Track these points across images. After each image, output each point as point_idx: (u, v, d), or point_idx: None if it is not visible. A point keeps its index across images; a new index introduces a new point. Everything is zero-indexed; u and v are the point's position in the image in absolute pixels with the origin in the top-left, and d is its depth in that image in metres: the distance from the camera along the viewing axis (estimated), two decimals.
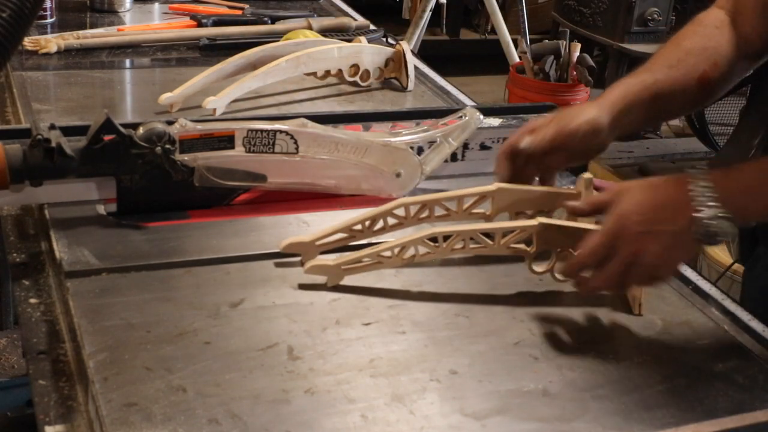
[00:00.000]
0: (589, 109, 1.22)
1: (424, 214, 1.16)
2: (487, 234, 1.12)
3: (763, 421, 0.94)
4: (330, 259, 1.12)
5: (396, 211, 1.15)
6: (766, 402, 0.97)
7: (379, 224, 1.15)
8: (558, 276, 1.13)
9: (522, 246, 1.11)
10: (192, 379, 0.91)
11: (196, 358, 0.94)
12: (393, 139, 1.32)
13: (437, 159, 1.35)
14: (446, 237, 1.11)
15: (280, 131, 1.25)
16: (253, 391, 0.90)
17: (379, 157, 1.31)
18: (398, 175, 1.32)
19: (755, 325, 1.12)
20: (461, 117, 1.37)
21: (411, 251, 1.12)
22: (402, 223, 1.16)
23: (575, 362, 1.00)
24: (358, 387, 0.93)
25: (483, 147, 1.45)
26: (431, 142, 1.35)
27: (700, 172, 1.02)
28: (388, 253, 1.11)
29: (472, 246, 1.12)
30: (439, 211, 1.17)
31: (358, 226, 1.14)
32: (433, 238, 1.11)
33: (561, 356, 1.01)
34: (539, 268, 1.13)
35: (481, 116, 1.38)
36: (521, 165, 1.21)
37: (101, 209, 1.22)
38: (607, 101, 1.23)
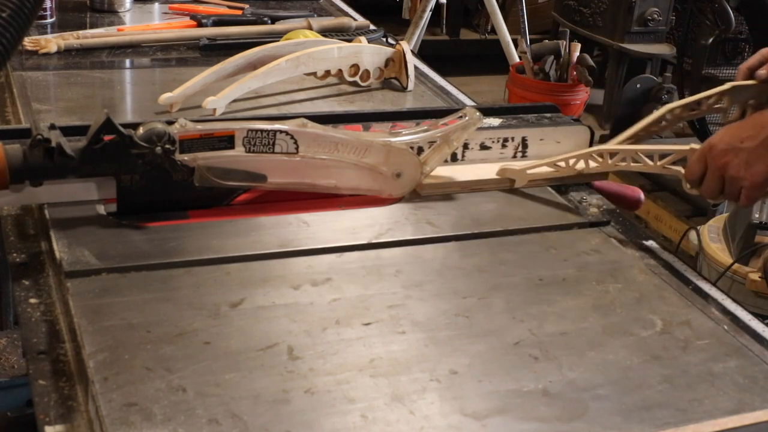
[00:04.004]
0: None
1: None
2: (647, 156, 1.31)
3: (763, 421, 0.94)
4: (517, 164, 1.39)
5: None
6: (766, 402, 0.97)
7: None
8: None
9: (678, 168, 1.29)
10: (192, 379, 0.91)
11: (196, 358, 0.94)
12: (393, 139, 1.32)
13: (437, 159, 1.35)
14: (612, 154, 1.35)
15: (280, 131, 1.24)
16: (253, 391, 0.90)
17: (380, 158, 1.31)
18: (398, 175, 1.32)
19: (755, 325, 1.12)
20: (461, 117, 1.37)
21: (581, 164, 1.37)
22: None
23: (575, 362, 1.00)
24: (358, 387, 0.93)
25: (483, 147, 1.45)
26: (431, 142, 1.35)
27: None
28: (562, 164, 1.39)
29: (632, 164, 1.33)
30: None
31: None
32: (600, 154, 1.35)
33: (561, 356, 1.01)
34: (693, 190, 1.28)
35: (481, 116, 1.38)
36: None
37: (101, 209, 1.22)
38: None
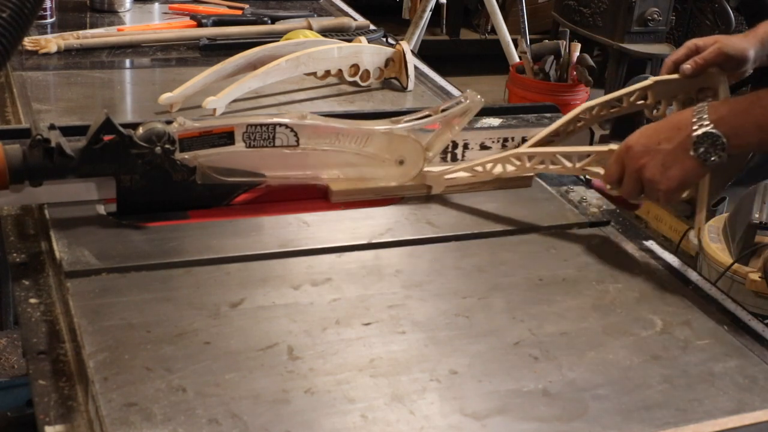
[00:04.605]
0: (743, 42, 1.33)
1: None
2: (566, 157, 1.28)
3: (763, 421, 0.94)
4: (435, 170, 1.33)
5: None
6: (766, 402, 0.97)
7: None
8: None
9: (597, 169, 1.26)
10: (192, 379, 0.91)
11: (196, 358, 0.94)
12: (394, 127, 1.32)
13: (440, 144, 1.35)
14: (531, 157, 1.30)
15: (280, 124, 1.24)
16: (253, 391, 0.90)
17: (382, 146, 1.31)
18: (401, 162, 1.32)
19: (755, 325, 1.12)
20: (460, 102, 1.36)
21: (499, 168, 1.32)
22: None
23: (575, 362, 1.00)
24: (358, 387, 0.93)
25: (483, 147, 1.45)
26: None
27: (703, 103, 1.18)
28: (480, 168, 1.32)
29: (551, 167, 1.29)
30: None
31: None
32: (518, 157, 1.30)
33: (561, 356, 1.01)
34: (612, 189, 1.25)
35: (482, 99, 1.36)
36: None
37: (101, 209, 1.22)
38: (756, 36, 1.34)
